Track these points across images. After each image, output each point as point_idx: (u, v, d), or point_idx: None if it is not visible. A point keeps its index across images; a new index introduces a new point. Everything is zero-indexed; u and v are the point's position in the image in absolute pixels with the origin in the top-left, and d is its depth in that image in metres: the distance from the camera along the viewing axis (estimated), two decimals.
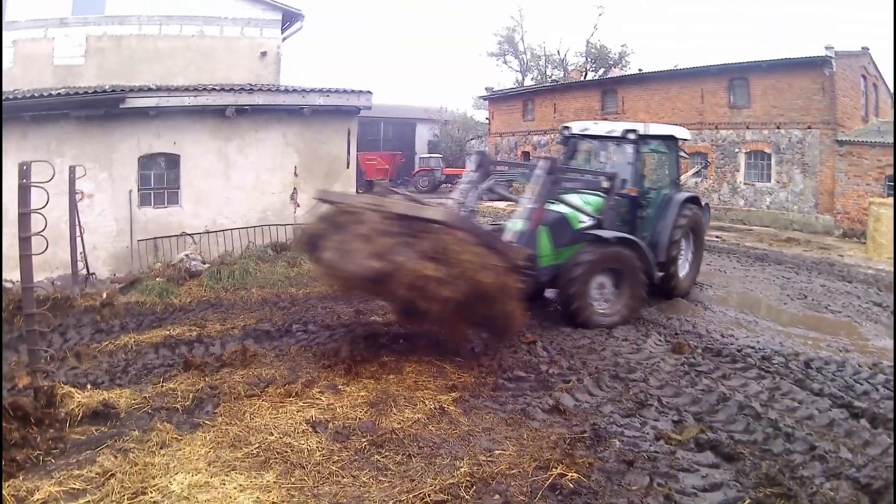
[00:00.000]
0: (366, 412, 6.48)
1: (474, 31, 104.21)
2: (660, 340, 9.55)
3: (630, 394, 7.20)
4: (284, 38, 20.21)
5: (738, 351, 9.15)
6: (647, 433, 6.29)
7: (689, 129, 14.62)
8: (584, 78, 44.47)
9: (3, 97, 12.11)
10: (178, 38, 17.84)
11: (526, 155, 39.98)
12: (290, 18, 19.77)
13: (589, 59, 50.27)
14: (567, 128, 12.30)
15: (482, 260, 7.03)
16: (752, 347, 9.42)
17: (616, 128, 11.86)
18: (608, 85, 36.14)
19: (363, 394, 6.93)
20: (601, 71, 48.39)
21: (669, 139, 12.44)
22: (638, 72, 37.14)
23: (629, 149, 11.12)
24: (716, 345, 9.43)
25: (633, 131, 11.14)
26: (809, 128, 25.70)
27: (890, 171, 23.49)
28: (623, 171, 10.97)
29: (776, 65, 26.81)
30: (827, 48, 24.80)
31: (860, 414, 6.99)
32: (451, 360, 8.02)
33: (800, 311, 12.44)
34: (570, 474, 5.27)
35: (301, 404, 6.59)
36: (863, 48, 27.11)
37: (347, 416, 6.35)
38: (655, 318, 11.12)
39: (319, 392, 6.92)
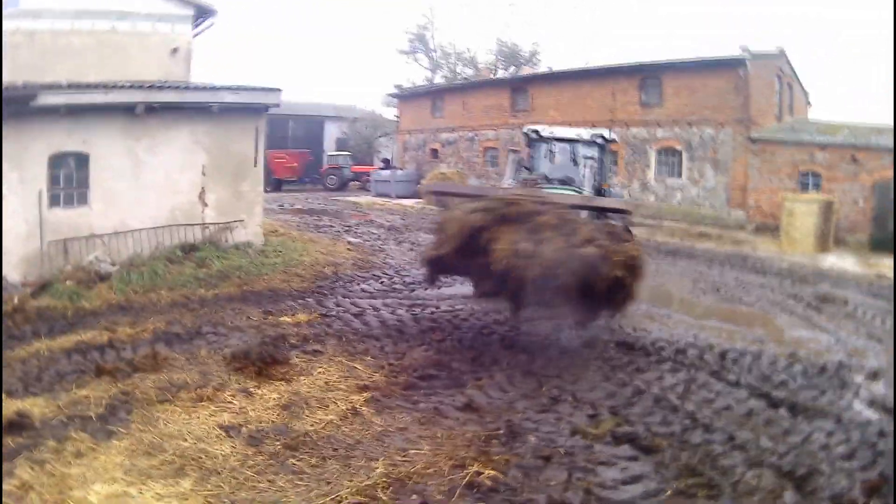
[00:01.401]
0: (278, 415, 6.37)
1: (385, 28, 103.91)
2: (572, 336, 9.36)
3: (543, 389, 6.99)
4: (196, 35, 19.58)
5: (652, 344, 9.14)
6: (563, 428, 6.13)
7: (600, 127, 14.92)
8: (494, 76, 44.71)
9: None
10: (91, 34, 17.03)
11: (434, 152, 40.17)
12: (202, 14, 19.14)
13: (499, 57, 50.58)
14: (535, 131, 12.97)
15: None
16: (666, 341, 9.41)
17: (582, 132, 13.07)
18: (519, 83, 36.34)
19: (275, 396, 6.80)
20: (511, 69, 48.67)
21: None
22: (548, 70, 37.57)
23: (596, 150, 11.98)
24: (629, 339, 9.38)
25: (601, 135, 12.22)
26: (722, 125, 26.27)
27: (804, 168, 24.21)
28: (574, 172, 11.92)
29: (690, 64, 27.40)
30: (742, 49, 25.44)
31: (779, 404, 7.02)
32: (362, 360, 7.86)
33: (713, 304, 12.55)
34: (486, 472, 5.17)
35: (213, 409, 6.45)
36: (778, 49, 27.83)
37: (260, 420, 6.24)
38: None
39: (231, 395, 6.78)
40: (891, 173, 22.64)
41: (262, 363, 7.49)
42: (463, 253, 7.75)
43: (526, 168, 12.48)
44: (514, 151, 10.79)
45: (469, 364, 7.86)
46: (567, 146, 12.87)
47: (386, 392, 6.93)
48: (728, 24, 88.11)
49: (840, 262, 19.54)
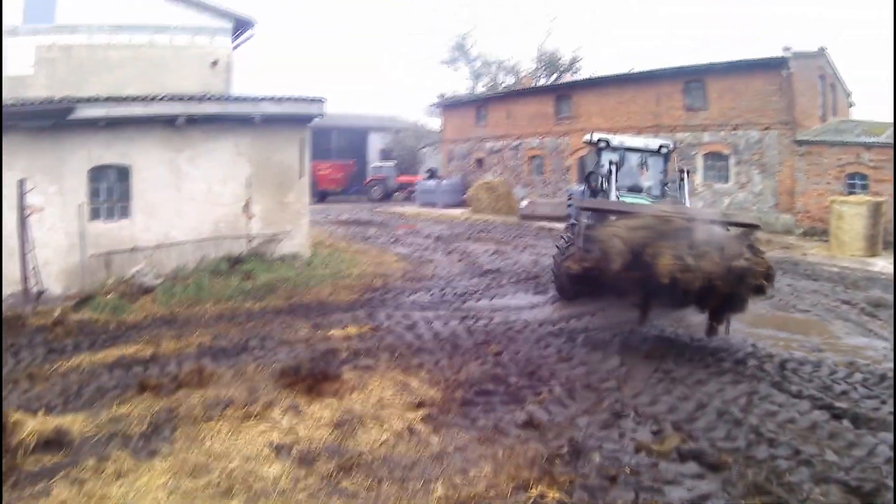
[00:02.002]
0: (330, 434, 6.23)
1: (427, 37, 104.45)
2: (634, 348, 9.42)
3: (605, 404, 7.03)
4: (235, 47, 19.88)
5: (711, 355, 9.08)
6: (627, 445, 6.13)
7: (645, 133, 15.17)
8: (536, 84, 44.33)
9: None
10: (128, 47, 17.41)
11: (479, 161, 40.12)
12: (241, 26, 19.42)
13: (540, 66, 50.40)
14: (605, 140, 13.83)
15: None
16: (725, 350, 9.36)
17: (649, 142, 14.17)
18: (562, 90, 36.06)
19: (326, 414, 6.67)
20: (553, 77, 48.47)
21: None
22: (590, 77, 37.40)
23: (661, 159, 12.89)
24: (687, 349, 9.36)
25: (665, 145, 13.01)
26: (767, 128, 25.99)
27: (851, 170, 23.86)
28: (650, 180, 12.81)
29: (732, 66, 27.08)
30: (784, 49, 25.12)
31: (842, 415, 6.98)
32: (416, 375, 7.82)
33: (767, 312, 12.36)
34: (551, 494, 5.10)
35: (262, 427, 6.32)
36: (820, 48, 27.48)
37: (311, 439, 6.10)
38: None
39: (281, 413, 6.65)
40: None
41: (313, 379, 7.41)
42: (630, 267, 8.37)
43: (596, 175, 13.35)
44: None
45: (527, 378, 7.87)
46: (636, 155, 13.72)
47: (443, 409, 6.85)
48: (768, 25, 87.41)
49: (890, 265, 19.22)
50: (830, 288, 15.02)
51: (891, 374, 8.53)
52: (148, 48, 17.69)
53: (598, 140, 13.97)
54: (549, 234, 23.68)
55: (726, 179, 27.05)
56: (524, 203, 30.85)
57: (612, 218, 9.64)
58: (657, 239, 8.36)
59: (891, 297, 14.09)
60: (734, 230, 9.41)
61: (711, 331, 9.40)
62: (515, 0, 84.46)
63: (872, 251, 20.37)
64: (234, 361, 8.53)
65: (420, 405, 6.94)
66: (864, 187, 23.65)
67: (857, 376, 8.42)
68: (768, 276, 8.70)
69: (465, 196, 35.37)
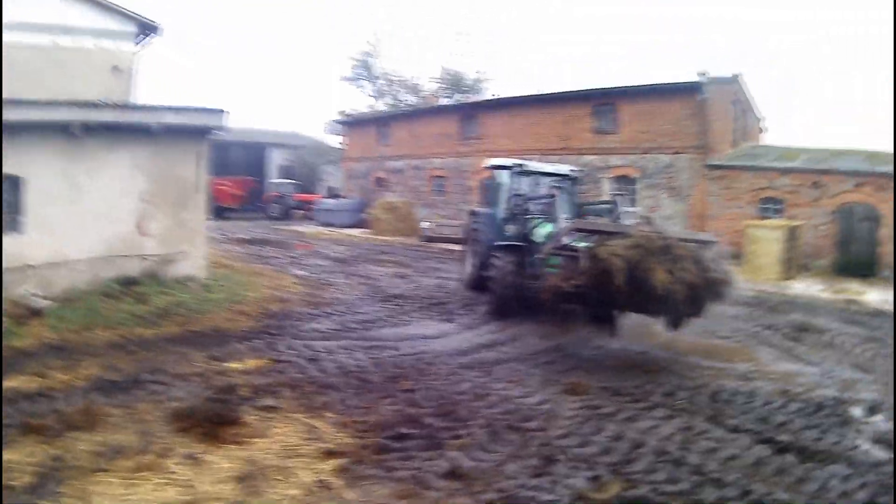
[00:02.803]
0: (233, 489, 5.57)
1: (329, 54, 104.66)
2: (554, 380, 9.07)
3: (532, 447, 6.56)
4: (139, 52, 19.07)
5: (637, 387, 8.82)
6: (563, 495, 5.66)
7: (551, 156, 15.90)
8: (439, 103, 45.21)
9: None
10: (34, 48, 16.48)
11: (380, 181, 40.34)
12: (144, 31, 18.70)
13: (443, 85, 51.64)
14: (520, 165, 15.22)
15: None
16: (651, 382, 9.14)
17: (560, 167, 15.73)
18: (468, 110, 36.48)
19: (227, 465, 5.99)
20: (456, 97, 49.54)
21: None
22: (493, 97, 38.44)
23: (570, 183, 14.25)
24: (612, 384, 9.02)
25: (574, 170, 14.72)
26: (679, 152, 26.64)
27: (765, 195, 24.50)
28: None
29: (646, 90, 27.77)
30: (700, 74, 25.87)
31: (785, 448, 6.80)
32: (323, 417, 7.19)
33: (690, 339, 12.15)
34: None
35: (156, 481, 5.62)
36: (734, 75, 28.39)
37: (210, 497, 5.43)
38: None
39: (177, 463, 5.95)
40: (853, 197, 23.05)
41: (211, 422, 6.76)
42: (628, 283, 9.21)
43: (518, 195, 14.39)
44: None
45: (444, 419, 7.33)
46: (548, 179, 15.12)
47: (356, 458, 6.26)
48: (683, 51, 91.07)
49: (808, 289, 19.66)
50: (749, 313, 15.14)
51: (827, 402, 8.51)
52: (52, 50, 16.85)
53: (513, 165, 15.01)
54: (452, 257, 23.55)
55: (634, 203, 27.34)
56: (426, 224, 31.23)
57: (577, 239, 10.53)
58: (650, 256, 9.27)
59: (813, 321, 14.35)
60: (695, 245, 10.31)
61: (674, 328, 10.66)
62: (421, 19, 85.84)
63: (788, 275, 20.82)
64: (126, 398, 7.68)
65: (331, 454, 6.32)
66: (779, 212, 24.26)
67: (794, 406, 8.32)
68: (731, 283, 9.91)
69: (365, 216, 35.51)
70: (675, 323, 10.50)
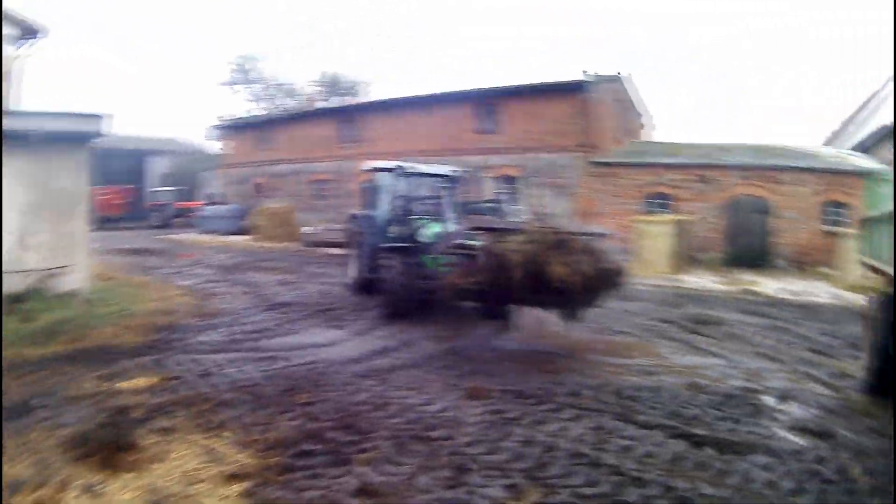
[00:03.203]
0: None
1: (209, 58, 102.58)
2: (453, 385, 8.65)
3: (442, 457, 6.10)
4: (21, 55, 17.90)
5: (539, 389, 8.50)
6: None
7: (433, 156, 15.94)
8: (318, 106, 45.06)
9: None
10: None
11: (260, 186, 39.93)
12: (29, 33, 17.51)
13: (322, 88, 52.06)
14: (401, 166, 15.22)
15: None
16: (552, 382, 8.84)
17: (441, 168, 15.98)
18: (348, 113, 36.51)
19: (127, 495, 5.35)
20: (335, 99, 49.99)
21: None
22: (372, 99, 38.70)
23: (451, 183, 14.26)
24: (514, 386, 8.66)
25: (456, 170, 14.85)
26: (563, 150, 27.05)
27: (651, 190, 25.06)
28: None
29: (529, 90, 28.20)
30: (585, 73, 26.33)
31: (701, 442, 6.63)
32: (221, 437, 6.53)
33: (585, 335, 12.04)
34: None
35: None
36: (618, 73, 29.29)
37: None
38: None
39: (76, 497, 5.27)
40: (742, 190, 23.97)
41: (106, 449, 6.08)
42: (526, 277, 9.38)
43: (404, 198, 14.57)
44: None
45: (346, 432, 6.80)
46: (429, 180, 15.45)
47: (261, 480, 5.68)
48: (569, 50, 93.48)
49: (701, 281, 20.03)
50: (642, 307, 15.25)
51: (737, 392, 8.53)
52: None
53: (396, 167, 15.17)
54: (334, 262, 23.36)
55: (517, 202, 27.56)
56: (308, 229, 30.97)
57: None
58: (546, 250, 9.43)
59: (711, 313, 14.65)
60: (589, 237, 10.39)
61: (570, 320, 10.82)
62: (300, 22, 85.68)
63: (679, 269, 21.21)
64: (17, 426, 6.84)
65: (234, 477, 5.70)
66: (666, 207, 24.78)
67: (703, 398, 8.23)
68: (626, 273, 10.22)
69: (246, 222, 35.16)
70: (570, 315, 10.66)
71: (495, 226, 10.58)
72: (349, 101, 46.66)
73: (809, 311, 15.82)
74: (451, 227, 13.27)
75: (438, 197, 13.62)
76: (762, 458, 6.22)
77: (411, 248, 13.30)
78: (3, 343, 10.09)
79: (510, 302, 11.10)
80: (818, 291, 18.91)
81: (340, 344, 11.00)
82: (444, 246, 11.19)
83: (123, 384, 8.51)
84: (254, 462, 6.00)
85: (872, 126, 28.29)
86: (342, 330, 12.07)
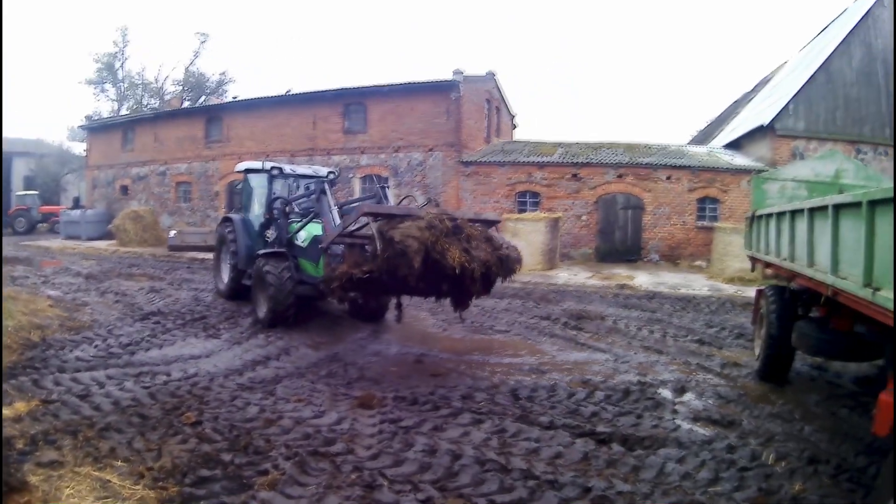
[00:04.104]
0: None
1: (73, 56, 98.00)
2: (343, 394, 8.34)
3: (346, 474, 5.78)
4: None
5: (431, 394, 8.31)
6: None
7: (300, 156, 15.50)
8: (182, 106, 44.24)
9: None
10: None
11: (124, 189, 38.70)
12: None
13: (186, 88, 51.24)
14: (278, 167, 15.04)
15: None
16: (444, 386, 8.68)
17: (319, 169, 15.83)
18: (213, 112, 35.74)
19: None
20: (202, 99, 49.36)
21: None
22: (242, 98, 37.45)
23: (327, 184, 13.21)
24: (403, 393, 8.41)
25: (332, 172, 14.14)
26: (432, 150, 27.34)
27: (521, 188, 25.51)
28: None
29: (399, 89, 28.27)
30: (455, 72, 26.64)
31: (607, 439, 6.63)
32: (112, 467, 5.94)
33: (467, 336, 12.16)
34: None
35: None
36: (488, 72, 29.50)
37: None
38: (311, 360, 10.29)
39: None
40: (614, 187, 24.90)
41: None
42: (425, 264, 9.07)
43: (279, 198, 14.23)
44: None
45: (243, 453, 6.34)
46: (305, 181, 15.38)
47: None
48: (440, 50, 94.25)
49: (575, 277, 20.41)
50: (521, 304, 15.38)
51: (633, 387, 8.64)
52: None
53: (272, 168, 14.86)
54: (202, 266, 22.94)
55: (386, 200, 27.67)
56: (172, 233, 30.25)
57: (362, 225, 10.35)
58: (442, 236, 9.21)
59: (590, 308, 14.92)
60: (483, 224, 10.48)
61: (460, 310, 10.69)
62: (164, 20, 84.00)
63: (552, 265, 21.57)
64: None
65: None
66: (536, 205, 25.29)
67: (599, 395, 8.27)
68: (520, 260, 10.12)
69: (111, 227, 34.06)
70: (464, 303, 10.55)
71: (391, 212, 10.09)
72: (215, 100, 45.63)
73: (689, 303, 16.44)
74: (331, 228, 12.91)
75: (320, 198, 13.01)
76: (673, 451, 6.27)
77: (289, 253, 13.04)
78: None
79: (405, 292, 10.66)
80: (695, 284, 19.67)
81: (219, 354, 10.48)
82: (335, 235, 10.68)
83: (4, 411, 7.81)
84: (152, 495, 5.49)
85: (747, 126, 29.88)
86: (218, 339, 11.50)
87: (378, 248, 9.30)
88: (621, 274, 21.13)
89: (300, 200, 14.28)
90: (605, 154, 27.25)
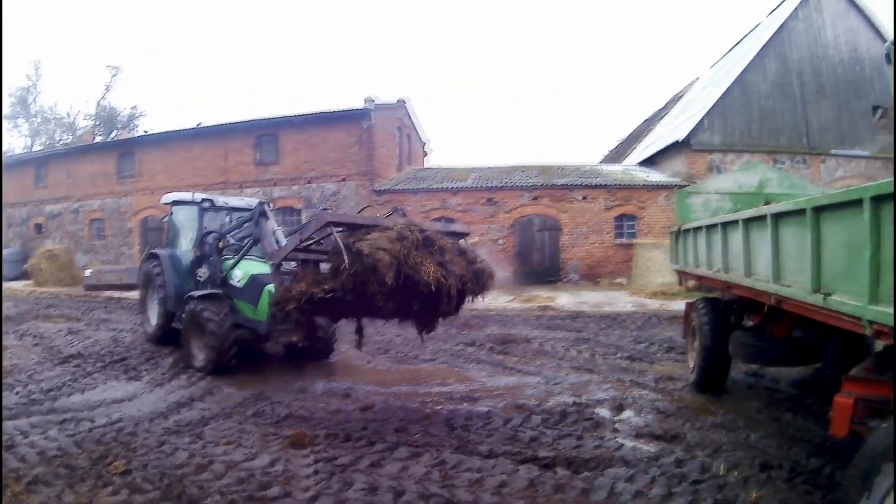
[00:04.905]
0: None
1: None
2: (272, 434, 7.99)
3: None
4: None
5: (364, 428, 8.04)
6: None
7: (212, 190, 14.75)
8: (95, 140, 43.60)
9: None
10: None
11: (38, 227, 37.83)
12: None
13: (98, 122, 50.67)
14: (209, 200, 14.08)
15: None
16: (375, 420, 8.43)
17: (250, 201, 14.84)
18: (126, 147, 35.17)
19: None
20: (113, 133, 48.62)
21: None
22: (153, 132, 37.06)
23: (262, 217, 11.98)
24: (334, 429, 8.12)
25: (263, 202, 12.26)
26: (345, 179, 27.29)
27: (436, 215, 25.54)
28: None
29: (311, 119, 28.28)
30: (367, 100, 26.74)
31: (551, 464, 6.47)
32: None
33: (392, 366, 11.95)
34: None
35: None
36: (399, 100, 29.58)
37: None
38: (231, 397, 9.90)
39: None
40: (530, 210, 25.16)
41: None
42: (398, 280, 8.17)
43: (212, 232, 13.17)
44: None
45: (177, 502, 6.02)
46: (237, 214, 14.09)
47: None
48: (352, 79, 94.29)
49: (496, 301, 20.36)
50: (443, 331, 15.09)
51: (570, 409, 8.56)
52: None
53: (202, 200, 13.97)
54: (119, 306, 22.26)
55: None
56: (88, 272, 29.52)
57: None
58: (413, 249, 8.36)
59: (515, 332, 14.91)
60: (452, 236, 9.72)
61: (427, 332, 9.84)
62: (77, 52, 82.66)
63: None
64: None
65: None
66: None
67: (536, 419, 8.15)
68: (493, 276, 9.52)
69: (26, 266, 33.28)
70: (430, 325, 9.68)
71: (357, 221, 9.01)
72: (126, 134, 45.05)
73: (614, 320, 16.57)
74: (266, 266, 11.93)
75: (254, 223, 11.91)
76: (621, 471, 6.18)
77: (224, 294, 12.22)
78: None
79: (369, 313, 9.48)
80: (618, 301, 19.91)
81: (141, 397, 10.00)
82: (287, 251, 9.60)
83: None
84: None
85: (661, 142, 30.64)
86: (140, 381, 10.99)
87: (346, 262, 8.23)
88: (542, 295, 21.23)
89: (235, 232, 12.92)
90: (518, 177, 27.61)
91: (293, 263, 9.74)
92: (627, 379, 10.20)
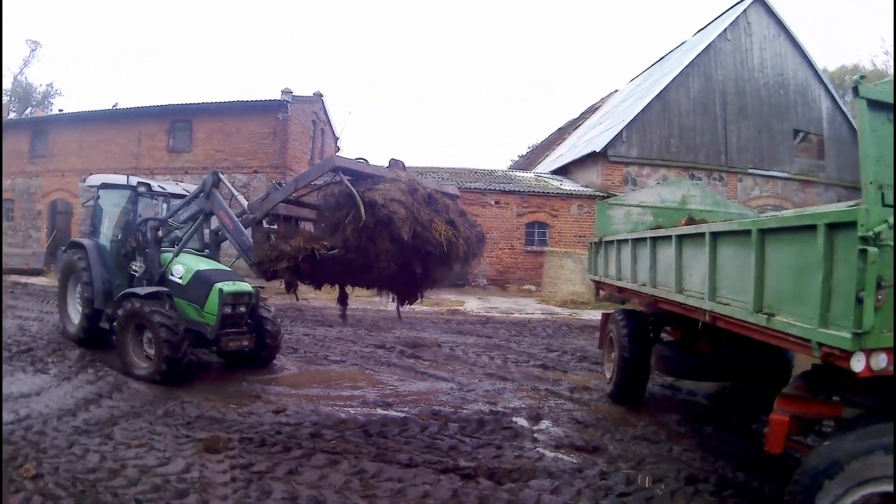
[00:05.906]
0: None
1: None
2: (185, 436, 7.64)
3: None
4: None
5: (278, 433, 7.78)
6: None
7: (122, 175, 13.85)
8: (7, 118, 41.06)
9: None
10: None
11: None
12: None
13: (13, 98, 48.91)
14: (146, 184, 12.36)
15: None
16: (289, 424, 8.16)
17: (189, 187, 13.14)
18: (40, 125, 33.67)
19: None
20: (28, 111, 47.09)
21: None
22: (66, 111, 35.51)
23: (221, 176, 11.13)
24: (244, 430, 7.89)
25: (216, 173, 11.21)
26: (256, 172, 26.77)
27: None
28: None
29: (226, 107, 27.65)
30: (284, 92, 26.24)
31: (472, 474, 6.42)
32: None
33: (302, 367, 11.66)
34: None
35: None
36: (316, 93, 29.25)
37: None
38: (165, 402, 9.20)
39: None
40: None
41: None
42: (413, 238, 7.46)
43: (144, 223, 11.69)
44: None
45: None
46: (175, 202, 12.50)
47: None
48: (269, 70, 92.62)
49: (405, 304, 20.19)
50: (352, 332, 15.09)
51: (487, 417, 8.52)
52: None
53: (138, 184, 12.17)
54: (24, 292, 21.02)
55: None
56: None
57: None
58: (424, 206, 7.69)
59: (426, 335, 14.95)
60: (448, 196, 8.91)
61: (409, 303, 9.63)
62: None
63: (377, 292, 21.42)
64: None
65: None
66: None
67: (453, 427, 8.08)
68: (485, 241, 9.21)
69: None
70: (414, 294, 9.17)
71: (365, 170, 7.95)
72: (40, 112, 43.37)
73: (524, 327, 16.71)
74: (214, 262, 11.42)
75: (205, 196, 10.72)
76: (545, 482, 6.17)
77: (165, 292, 10.72)
78: None
79: (359, 279, 8.50)
80: (527, 308, 20.10)
81: (49, 392, 9.37)
82: (277, 201, 8.22)
83: None
84: None
85: (576, 152, 31.06)
86: (47, 374, 10.25)
87: (361, 212, 7.14)
88: (450, 299, 21.27)
89: (178, 216, 11.50)
90: (430, 178, 26.95)
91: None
92: (542, 388, 10.27)
